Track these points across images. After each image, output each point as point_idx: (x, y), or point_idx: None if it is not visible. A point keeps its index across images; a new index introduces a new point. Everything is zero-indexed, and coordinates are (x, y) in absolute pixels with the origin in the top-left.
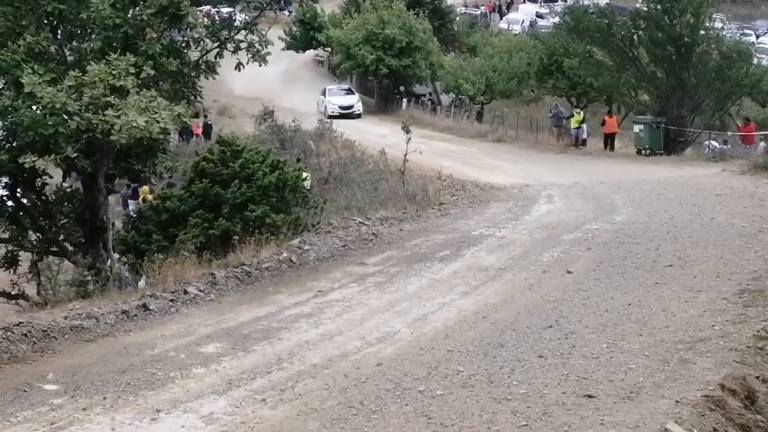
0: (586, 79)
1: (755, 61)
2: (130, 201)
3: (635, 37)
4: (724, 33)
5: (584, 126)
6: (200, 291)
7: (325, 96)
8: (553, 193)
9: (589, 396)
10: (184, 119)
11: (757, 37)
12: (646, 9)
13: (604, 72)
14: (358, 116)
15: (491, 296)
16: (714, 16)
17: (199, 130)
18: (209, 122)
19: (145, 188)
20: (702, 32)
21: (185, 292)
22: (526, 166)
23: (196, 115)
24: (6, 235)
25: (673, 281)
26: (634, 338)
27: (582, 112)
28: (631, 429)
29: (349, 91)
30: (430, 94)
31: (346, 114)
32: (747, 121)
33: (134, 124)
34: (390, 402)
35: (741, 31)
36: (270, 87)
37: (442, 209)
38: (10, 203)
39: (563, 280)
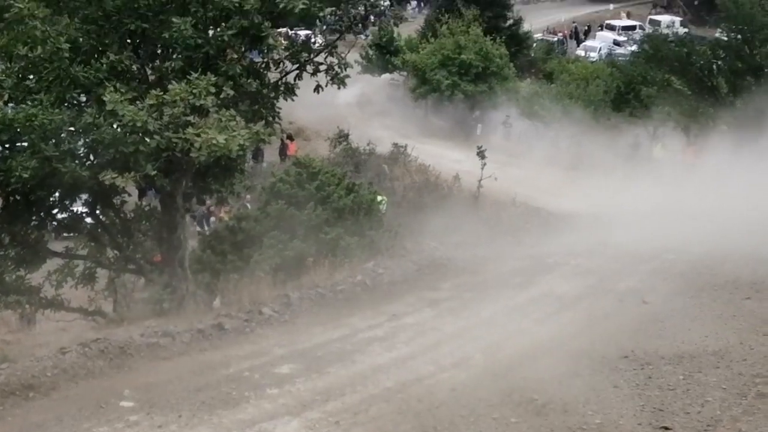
0: (664, 108)
1: None
2: (204, 220)
3: (714, 66)
4: None
5: (666, 156)
6: (275, 312)
7: None
8: (630, 220)
9: (666, 428)
10: (263, 138)
11: None
12: (725, 38)
13: (682, 101)
14: None
15: (566, 324)
16: None
17: (294, 148)
18: (286, 143)
19: (227, 208)
20: None
21: (260, 313)
22: (603, 193)
23: (290, 137)
24: (84, 252)
25: (751, 314)
26: (710, 371)
27: (661, 145)
28: None
29: None
30: (507, 117)
31: None
32: None
33: (214, 141)
34: (464, 428)
35: None
36: (344, 110)
37: (515, 236)
38: (89, 220)
39: (639, 310)
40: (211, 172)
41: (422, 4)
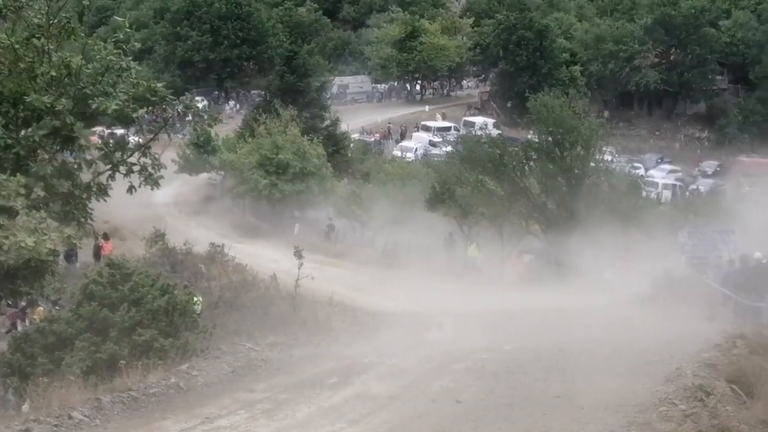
0: (478, 208)
1: (643, 193)
2: (18, 322)
3: (526, 167)
4: (613, 166)
5: (480, 255)
6: (85, 416)
7: None
8: (444, 321)
9: None
10: (74, 241)
11: (646, 170)
12: (537, 140)
13: (495, 201)
14: None
15: (380, 425)
16: (604, 148)
17: (109, 248)
18: (100, 244)
19: (40, 309)
20: (592, 164)
21: (70, 417)
22: (419, 293)
23: (106, 237)
24: None
25: (561, 412)
26: None
27: (476, 245)
28: None
29: None
30: (331, 220)
31: None
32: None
33: (22, 244)
34: None
35: (630, 164)
36: (161, 210)
37: (332, 336)
38: None
39: (452, 410)
40: (20, 274)
41: (240, 104)
